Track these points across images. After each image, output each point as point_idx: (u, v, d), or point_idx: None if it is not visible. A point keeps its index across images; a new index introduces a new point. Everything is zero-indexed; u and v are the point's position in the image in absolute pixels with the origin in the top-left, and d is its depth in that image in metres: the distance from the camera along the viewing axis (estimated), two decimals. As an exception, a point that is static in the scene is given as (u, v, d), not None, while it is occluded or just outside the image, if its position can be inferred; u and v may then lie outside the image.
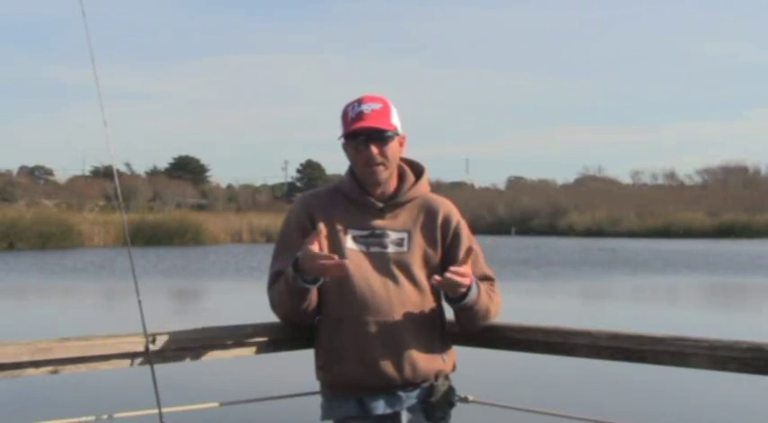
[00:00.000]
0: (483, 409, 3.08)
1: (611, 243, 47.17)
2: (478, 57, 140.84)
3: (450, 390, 2.79)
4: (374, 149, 2.70)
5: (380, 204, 2.77)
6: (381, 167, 2.73)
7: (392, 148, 2.74)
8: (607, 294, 21.19)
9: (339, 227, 2.74)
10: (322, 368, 2.75)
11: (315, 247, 2.54)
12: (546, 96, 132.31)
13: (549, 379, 8.31)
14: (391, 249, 2.74)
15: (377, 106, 2.73)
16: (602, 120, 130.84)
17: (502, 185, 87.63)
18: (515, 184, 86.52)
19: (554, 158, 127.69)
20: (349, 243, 2.73)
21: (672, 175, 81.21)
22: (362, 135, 2.70)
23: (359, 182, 2.79)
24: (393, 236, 2.75)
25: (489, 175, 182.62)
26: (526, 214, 68.65)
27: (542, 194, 73.04)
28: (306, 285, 2.62)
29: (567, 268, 27.99)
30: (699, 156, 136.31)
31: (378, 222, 2.77)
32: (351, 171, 2.83)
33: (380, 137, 2.71)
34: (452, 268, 2.62)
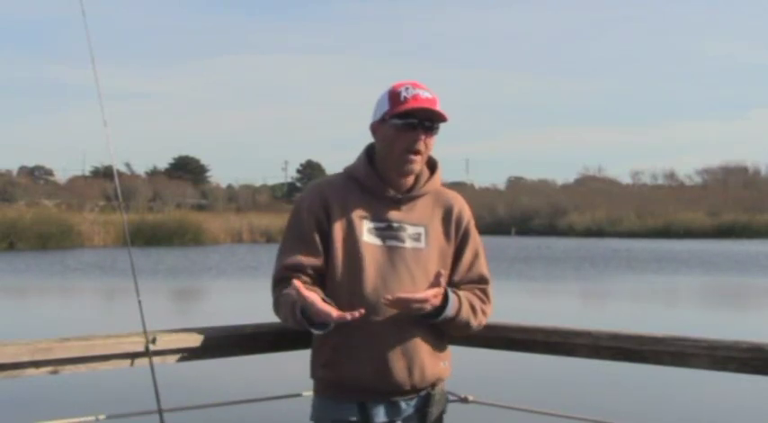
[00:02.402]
0: (483, 409, 3.08)
1: (611, 243, 47.16)
2: (478, 57, 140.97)
3: (445, 396, 2.73)
4: (422, 135, 2.59)
5: (399, 196, 2.66)
6: (419, 158, 2.62)
7: (433, 141, 2.65)
8: (607, 294, 21.19)
9: (355, 218, 2.62)
10: (326, 366, 2.61)
11: (314, 298, 2.43)
12: (546, 96, 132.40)
13: (549, 379, 8.31)
14: (408, 244, 2.63)
15: (430, 95, 2.62)
16: (602, 120, 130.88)
17: (502, 185, 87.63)
18: (515, 184, 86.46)
19: (554, 158, 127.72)
20: (365, 236, 2.60)
21: (672, 175, 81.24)
22: (416, 117, 2.58)
23: (378, 168, 2.67)
24: (410, 230, 2.64)
25: (489, 175, 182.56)
26: (526, 214, 68.66)
27: (542, 194, 73.03)
28: (316, 331, 2.52)
29: (567, 268, 27.99)
30: (699, 156, 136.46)
31: (395, 215, 2.65)
32: (367, 158, 2.70)
33: (432, 125, 2.61)
34: (403, 296, 2.47)
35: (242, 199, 73.64)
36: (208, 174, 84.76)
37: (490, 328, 2.90)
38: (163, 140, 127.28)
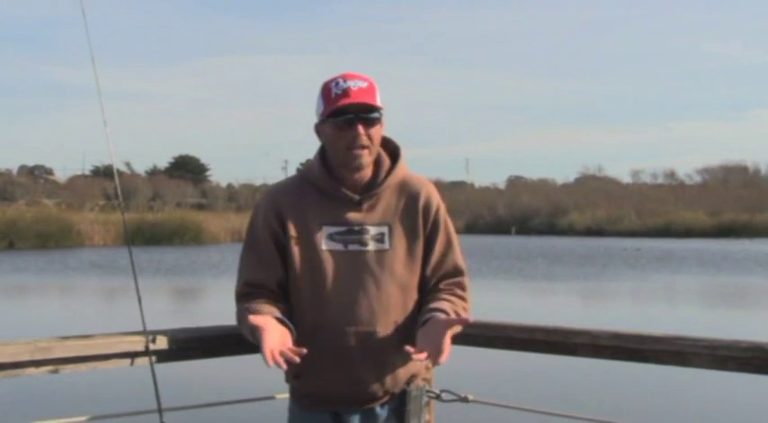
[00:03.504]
0: (483, 408, 3.07)
1: (614, 242, 47.16)
2: (478, 57, 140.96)
3: (423, 392, 2.62)
4: (361, 129, 2.45)
5: (357, 196, 2.52)
6: (366, 151, 2.48)
7: (377, 130, 2.50)
8: (607, 294, 21.19)
9: (312, 225, 2.51)
10: (296, 377, 2.55)
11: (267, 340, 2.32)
12: (546, 96, 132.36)
13: (549, 378, 8.32)
14: (371, 247, 2.50)
15: (363, 84, 2.48)
16: (602, 119, 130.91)
17: (502, 185, 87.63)
18: (515, 183, 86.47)
19: (554, 158, 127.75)
20: (324, 243, 2.49)
21: (672, 175, 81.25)
22: (350, 113, 2.45)
23: (331, 170, 2.54)
24: (372, 231, 2.51)
25: (489, 174, 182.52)
26: (526, 214, 68.68)
27: (542, 194, 73.06)
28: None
29: (567, 268, 27.98)
30: (699, 156, 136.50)
31: (355, 216, 2.52)
32: (321, 158, 2.57)
33: (369, 117, 2.47)
34: (436, 357, 2.36)
35: (242, 198, 73.61)
36: (208, 173, 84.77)
37: (490, 328, 2.90)
38: (163, 140, 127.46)
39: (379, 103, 2.50)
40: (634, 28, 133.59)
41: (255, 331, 2.36)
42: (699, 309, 17.99)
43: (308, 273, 2.50)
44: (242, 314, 2.50)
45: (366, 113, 2.48)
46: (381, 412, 2.56)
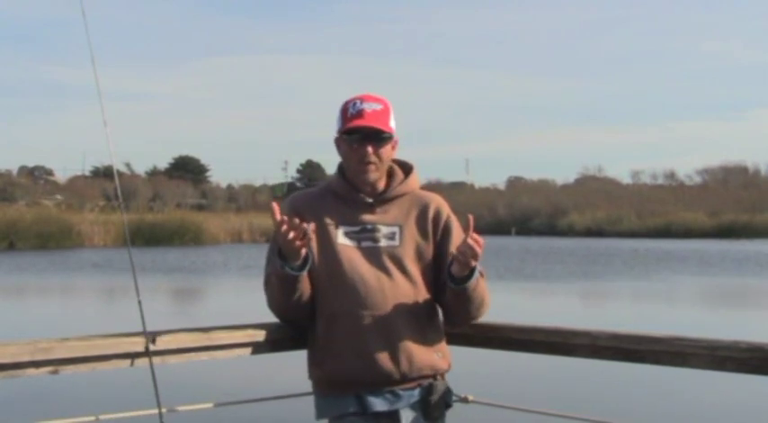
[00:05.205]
0: (483, 409, 3.08)
1: (612, 243, 47.17)
2: (478, 57, 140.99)
3: (447, 390, 2.78)
4: (369, 149, 2.72)
5: (370, 200, 2.78)
6: (373, 167, 2.75)
7: (386, 150, 2.77)
8: (607, 294, 21.19)
9: (330, 224, 2.75)
10: (317, 365, 2.73)
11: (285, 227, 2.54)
12: (546, 96, 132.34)
13: (549, 379, 8.32)
14: (383, 243, 2.75)
15: (377, 107, 2.75)
16: (602, 119, 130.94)
17: (502, 185, 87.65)
18: (515, 184, 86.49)
19: (554, 158, 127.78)
20: (340, 239, 2.74)
21: (672, 175, 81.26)
22: (360, 133, 2.72)
23: (349, 179, 2.81)
24: (384, 230, 2.76)
25: (489, 175, 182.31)
26: (526, 214, 68.74)
27: (542, 194, 73.10)
28: (292, 273, 2.63)
29: (567, 268, 27.98)
30: (699, 156, 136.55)
31: (369, 217, 2.77)
32: (340, 169, 2.86)
33: (377, 137, 2.73)
34: (472, 234, 2.57)
35: (242, 199, 73.65)
36: (208, 174, 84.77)
37: (490, 328, 2.90)
38: (163, 140, 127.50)
39: (390, 125, 2.76)
40: (634, 28, 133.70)
41: (274, 252, 2.65)
42: (699, 309, 17.99)
43: (325, 265, 2.72)
44: (268, 285, 2.75)
45: (376, 135, 2.73)
46: (406, 397, 2.69)
